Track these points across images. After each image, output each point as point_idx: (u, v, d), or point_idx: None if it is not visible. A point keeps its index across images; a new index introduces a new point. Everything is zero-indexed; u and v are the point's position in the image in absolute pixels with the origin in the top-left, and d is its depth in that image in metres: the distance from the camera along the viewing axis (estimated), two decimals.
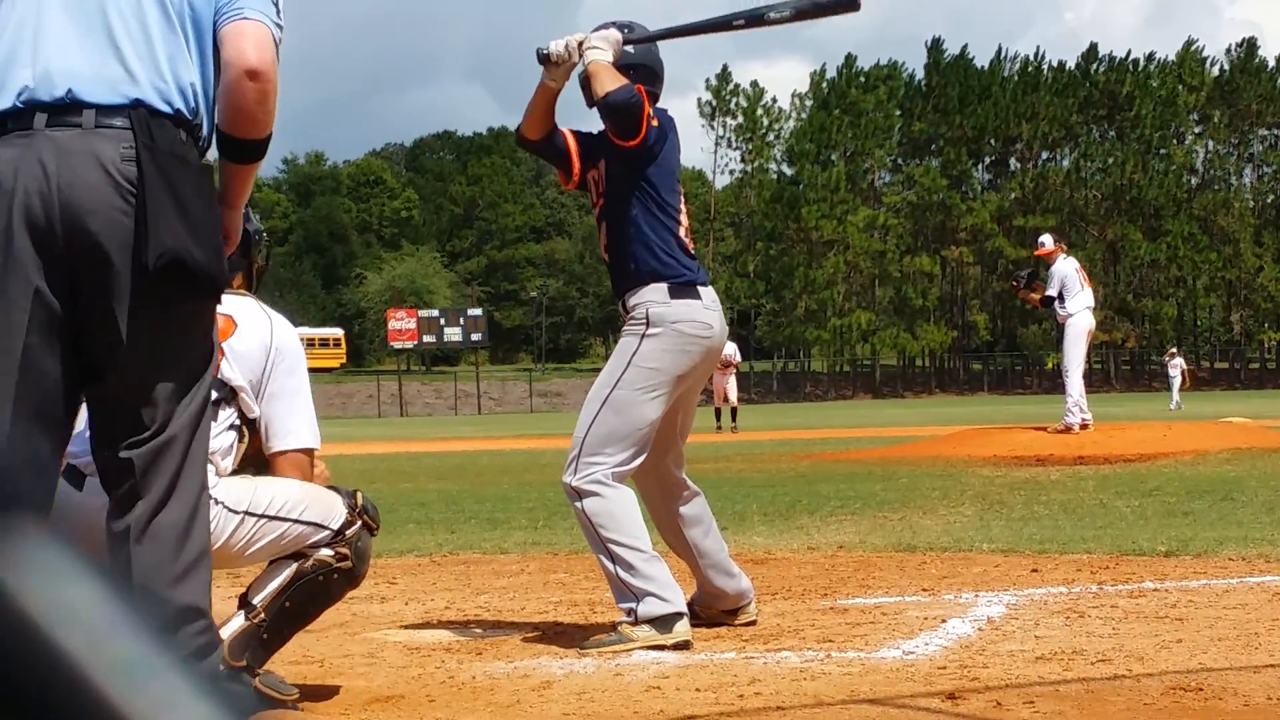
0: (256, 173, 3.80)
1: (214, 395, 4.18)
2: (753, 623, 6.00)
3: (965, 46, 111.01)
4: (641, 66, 5.90)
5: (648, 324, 5.75)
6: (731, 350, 31.75)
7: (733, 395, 32.47)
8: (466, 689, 4.84)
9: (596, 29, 5.88)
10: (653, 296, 5.76)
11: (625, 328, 5.85)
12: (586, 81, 5.81)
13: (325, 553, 4.41)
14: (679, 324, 5.75)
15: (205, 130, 3.62)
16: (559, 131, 6.06)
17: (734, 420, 32.20)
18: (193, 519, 3.59)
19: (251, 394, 4.41)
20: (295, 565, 4.38)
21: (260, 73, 3.53)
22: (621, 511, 5.64)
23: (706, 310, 5.85)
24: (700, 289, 5.86)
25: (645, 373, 5.72)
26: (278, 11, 3.65)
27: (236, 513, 4.26)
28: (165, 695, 0.69)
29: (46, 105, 3.42)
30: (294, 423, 4.47)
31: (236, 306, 4.47)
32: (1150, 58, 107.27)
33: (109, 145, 3.41)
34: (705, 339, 5.81)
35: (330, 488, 4.59)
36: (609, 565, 5.63)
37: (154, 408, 3.52)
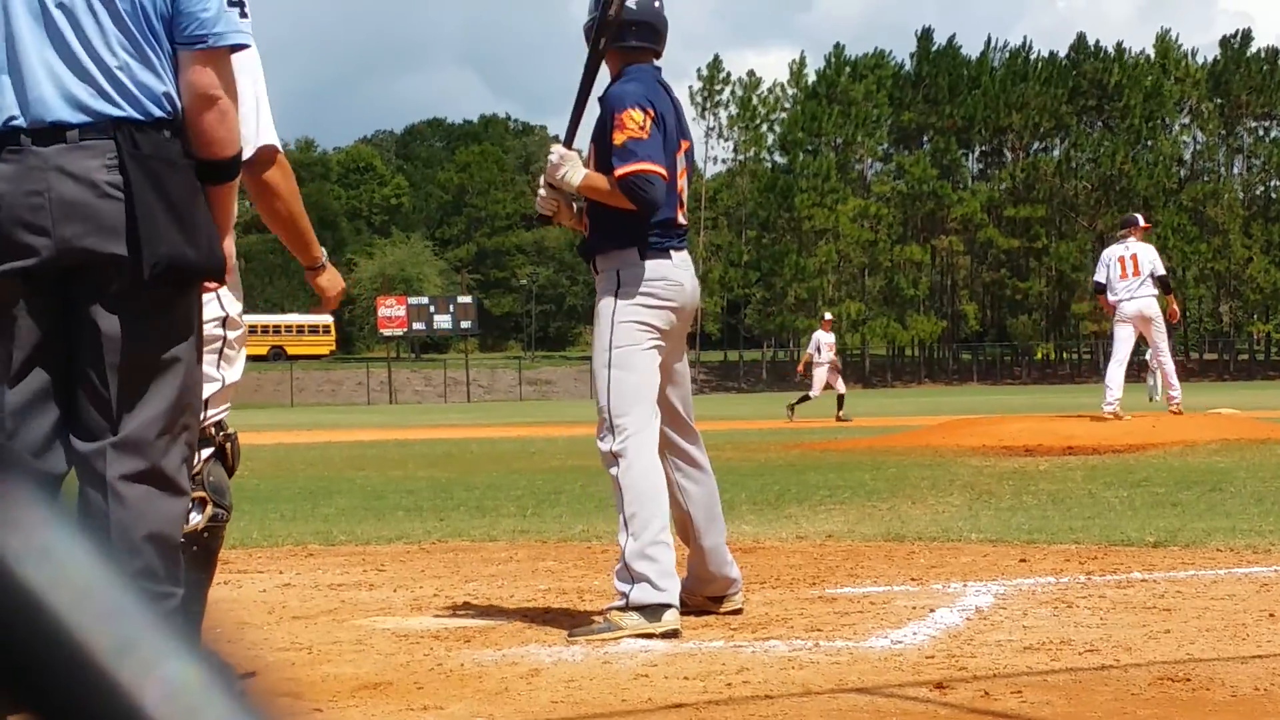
0: (235, 193, 3.87)
1: None
2: (738, 611, 5.99)
3: (953, 36, 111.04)
4: (641, 24, 5.92)
5: (619, 284, 5.81)
6: (833, 339, 31.45)
7: (839, 384, 31.55)
8: (454, 676, 4.84)
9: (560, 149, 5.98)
10: (622, 258, 5.81)
11: (598, 290, 5.90)
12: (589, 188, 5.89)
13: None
14: (649, 282, 5.81)
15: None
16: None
17: (840, 407, 31.36)
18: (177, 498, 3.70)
19: None
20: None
21: (214, 98, 3.63)
22: (648, 486, 5.68)
23: (676, 269, 5.90)
24: (673, 252, 5.90)
25: (630, 326, 5.80)
26: (241, 11, 3.73)
27: None
28: (154, 649, 0.69)
29: (30, 130, 3.55)
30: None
31: None
32: (1120, 47, 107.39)
33: (94, 157, 3.54)
34: (674, 298, 5.87)
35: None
36: (622, 538, 5.68)
37: (139, 405, 3.60)
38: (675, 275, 5.88)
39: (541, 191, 6.04)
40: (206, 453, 4.41)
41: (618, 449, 5.71)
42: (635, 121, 5.77)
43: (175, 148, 3.62)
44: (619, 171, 5.74)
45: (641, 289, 5.79)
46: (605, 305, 5.85)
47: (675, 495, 5.97)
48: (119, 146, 3.53)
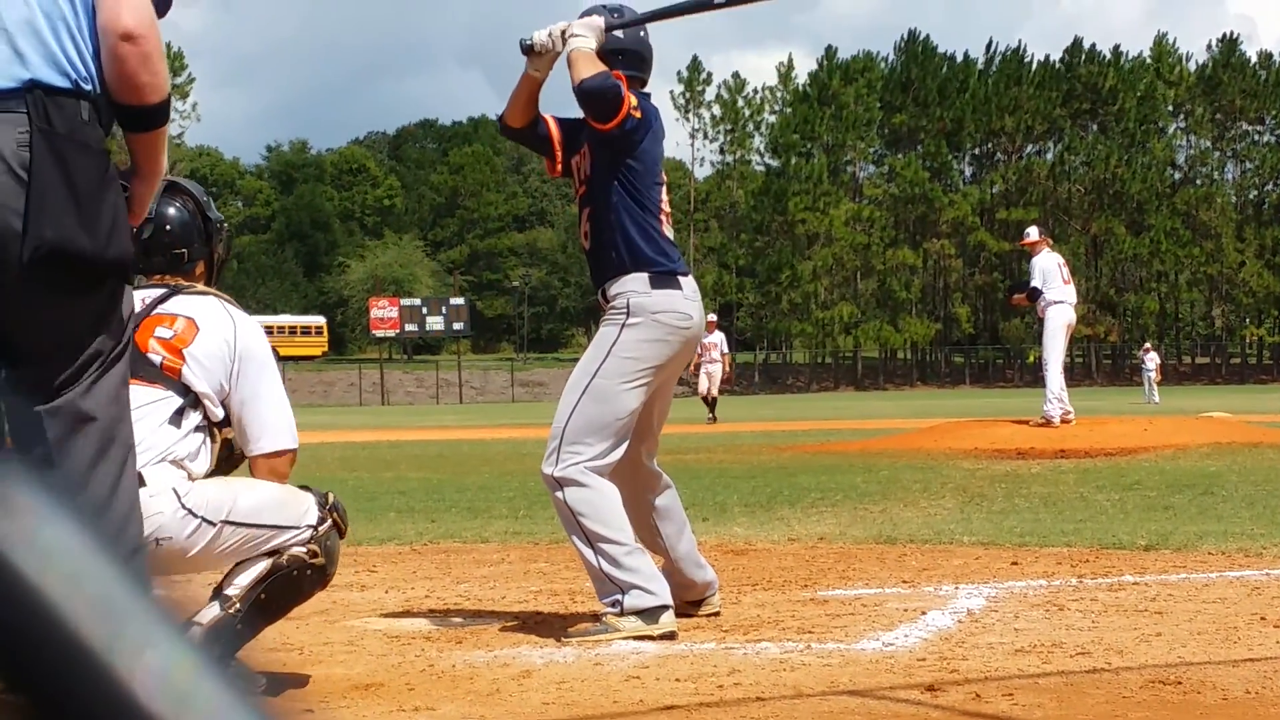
0: (164, 141, 3.52)
1: (178, 401, 4.21)
2: (716, 614, 5.97)
3: (929, 38, 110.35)
4: (629, 52, 5.90)
5: (628, 314, 5.73)
6: (719, 339, 31.83)
7: (714, 387, 32.34)
8: (446, 677, 4.84)
9: (583, 14, 5.89)
10: (634, 286, 5.74)
11: (605, 317, 5.83)
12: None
13: (299, 550, 4.43)
14: (659, 314, 5.73)
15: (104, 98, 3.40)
16: (542, 119, 6.04)
17: (712, 410, 32.12)
18: (129, 514, 3.41)
19: (216, 399, 4.39)
20: (270, 560, 4.40)
21: (136, 35, 3.30)
22: (604, 502, 5.60)
23: (687, 301, 5.83)
24: (681, 279, 5.85)
25: (625, 362, 5.70)
26: None
27: (214, 523, 4.28)
28: (143, 634, 0.69)
29: None
30: (270, 425, 4.46)
31: (198, 308, 4.44)
32: (1117, 50, 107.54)
33: (6, 132, 3.21)
34: (685, 329, 5.79)
35: (302, 487, 4.61)
36: (591, 558, 5.58)
37: (61, 393, 3.31)
38: (684, 307, 5.80)
39: (550, 29, 5.81)
40: (325, 525, 4.50)
41: (560, 475, 5.61)
42: (631, 103, 5.73)
43: (91, 128, 3.31)
44: (615, 73, 5.71)
45: (650, 320, 5.71)
46: (609, 332, 5.76)
47: (643, 511, 5.91)
48: (30, 119, 3.20)
